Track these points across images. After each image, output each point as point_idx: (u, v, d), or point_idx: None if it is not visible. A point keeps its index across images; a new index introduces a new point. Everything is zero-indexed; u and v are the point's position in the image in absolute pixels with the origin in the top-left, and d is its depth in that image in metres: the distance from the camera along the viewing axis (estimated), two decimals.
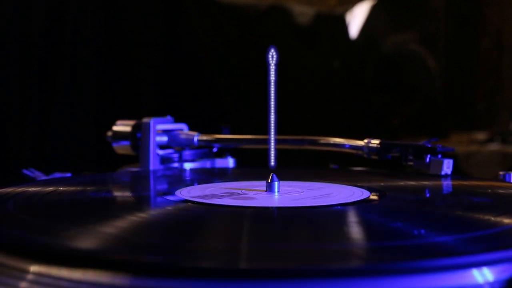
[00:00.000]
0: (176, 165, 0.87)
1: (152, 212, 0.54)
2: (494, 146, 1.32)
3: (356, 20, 1.39)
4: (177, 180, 0.76)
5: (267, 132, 0.62)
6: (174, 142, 0.89)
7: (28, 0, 1.24)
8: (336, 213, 0.52)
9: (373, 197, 0.58)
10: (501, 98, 1.35)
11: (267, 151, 0.62)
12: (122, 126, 0.88)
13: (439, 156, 0.75)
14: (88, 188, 0.64)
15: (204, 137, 0.88)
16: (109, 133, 0.89)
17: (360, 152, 0.79)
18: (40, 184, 0.65)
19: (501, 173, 0.72)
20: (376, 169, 0.84)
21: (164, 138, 0.88)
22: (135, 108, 1.30)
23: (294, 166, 0.94)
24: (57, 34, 1.26)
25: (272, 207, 0.54)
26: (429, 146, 0.75)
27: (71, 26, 1.27)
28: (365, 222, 0.49)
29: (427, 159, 0.75)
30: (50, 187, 0.63)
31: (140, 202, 0.60)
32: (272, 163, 0.62)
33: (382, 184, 0.67)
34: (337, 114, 1.37)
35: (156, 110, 0.96)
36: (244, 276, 0.34)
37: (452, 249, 0.39)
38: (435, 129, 1.36)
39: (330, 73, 1.39)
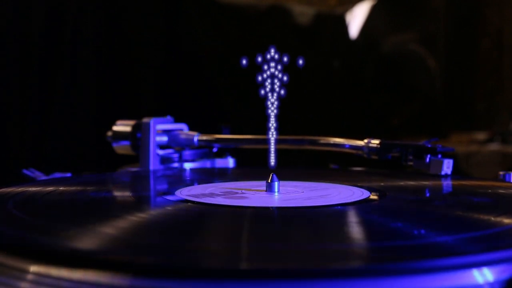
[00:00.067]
0: (176, 165, 0.87)
1: (152, 212, 0.54)
2: (494, 146, 1.32)
3: (356, 20, 1.38)
4: (177, 180, 0.76)
5: (267, 132, 0.62)
6: (174, 142, 0.89)
7: (28, 0, 1.24)
8: (336, 213, 0.52)
9: (373, 197, 0.58)
10: (501, 98, 1.34)
11: (267, 151, 0.62)
12: (122, 126, 0.88)
13: (439, 156, 0.75)
14: (88, 188, 0.64)
15: (204, 137, 0.88)
16: (109, 133, 0.89)
17: (360, 152, 0.79)
18: (40, 184, 0.65)
19: (501, 173, 0.72)
20: (376, 169, 0.84)
21: (164, 138, 0.88)
22: (135, 108, 1.30)
23: (294, 166, 0.94)
24: (57, 34, 1.26)
25: (272, 207, 0.54)
26: (429, 146, 0.75)
27: (71, 26, 1.27)
28: (365, 222, 0.49)
29: (427, 159, 0.75)
30: (50, 187, 0.63)
31: (140, 202, 0.60)
32: (272, 163, 0.62)
33: (382, 184, 0.67)
34: (337, 114, 1.37)
35: (156, 110, 0.95)
36: (244, 277, 0.34)
37: (452, 249, 0.39)
38: (435, 129, 1.36)
39: (330, 73, 1.39)
